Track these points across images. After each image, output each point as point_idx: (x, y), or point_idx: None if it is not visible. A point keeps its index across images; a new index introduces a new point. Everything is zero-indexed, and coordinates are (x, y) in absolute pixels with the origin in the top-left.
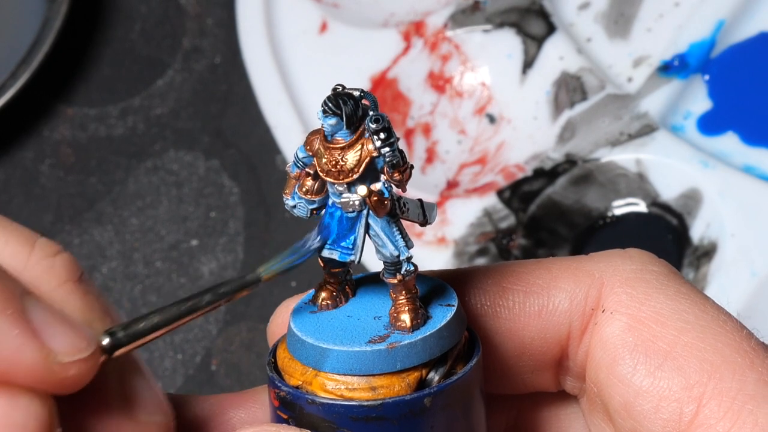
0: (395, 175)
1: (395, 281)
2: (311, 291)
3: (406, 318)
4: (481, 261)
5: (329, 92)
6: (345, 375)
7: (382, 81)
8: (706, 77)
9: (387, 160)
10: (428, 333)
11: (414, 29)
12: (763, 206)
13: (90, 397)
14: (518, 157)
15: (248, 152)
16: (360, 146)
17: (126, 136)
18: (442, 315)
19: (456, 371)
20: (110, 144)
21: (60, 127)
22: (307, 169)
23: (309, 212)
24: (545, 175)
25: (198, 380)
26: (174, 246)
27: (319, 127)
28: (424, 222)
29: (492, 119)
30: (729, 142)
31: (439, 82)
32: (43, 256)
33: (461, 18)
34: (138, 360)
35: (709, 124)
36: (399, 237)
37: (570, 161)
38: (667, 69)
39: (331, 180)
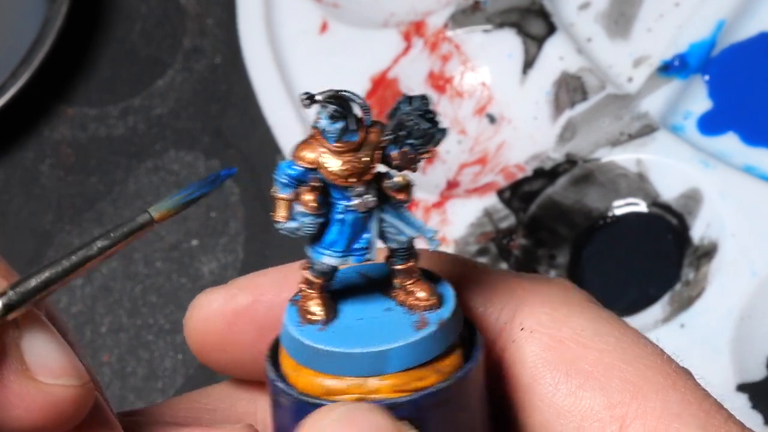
0: (426, 154)
1: (411, 264)
2: (290, 307)
3: (430, 296)
4: (481, 261)
5: (321, 98)
6: (411, 369)
7: (382, 81)
8: (707, 77)
9: (437, 138)
10: (453, 303)
11: (414, 29)
12: (763, 206)
13: None
14: (518, 157)
15: (248, 152)
16: (369, 141)
17: (126, 136)
18: (443, 286)
19: (476, 335)
20: (110, 144)
21: (60, 127)
22: (312, 183)
23: (317, 228)
24: (545, 175)
25: (198, 380)
26: (174, 246)
27: (308, 138)
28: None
29: (492, 119)
30: (729, 142)
31: (439, 82)
32: None
33: (461, 18)
34: (42, 321)
35: (710, 124)
36: (414, 218)
37: (570, 161)
38: (667, 69)
39: (351, 184)
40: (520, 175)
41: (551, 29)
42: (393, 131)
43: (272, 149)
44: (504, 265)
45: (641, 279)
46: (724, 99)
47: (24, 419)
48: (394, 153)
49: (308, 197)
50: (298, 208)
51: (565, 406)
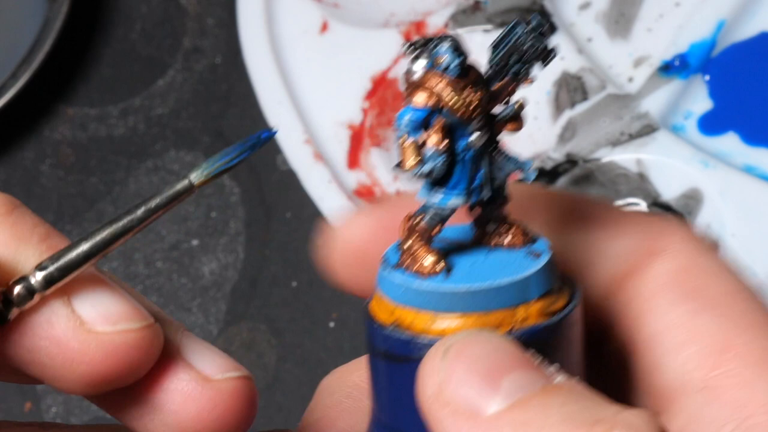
0: (527, 81)
1: (505, 205)
2: (391, 272)
3: (526, 231)
4: None
5: (434, 38)
6: (546, 295)
7: (382, 81)
8: (707, 77)
9: (554, 55)
10: (542, 235)
11: (415, 29)
12: (763, 206)
13: (29, 330)
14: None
15: None
16: (478, 75)
17: (126, 136)
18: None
19: None
20: (110, 144)
21: (60, 127)
22: (438, 124)
23: (446, 168)
24: (546, 175)
25: None
26: (174, 246)
27: (416, 84)
28: None
29: None
30: (729, 142)
31: None
32: None
33: (462, 18)
34: (91, 273)
35: (710, 124)
36: (510, 152)
37: (571, 161)
38: (667, 69)
39: (477, 116)
40: (520, 175)
41: (551, 29)
42: (502, 60)
43: (272, 149)
44: None
45: None
46: (725, 99)
47: (94, 372)
48: (495, 85)
49: (437, 137)
50: (428, 152)
51: (676, 321)
